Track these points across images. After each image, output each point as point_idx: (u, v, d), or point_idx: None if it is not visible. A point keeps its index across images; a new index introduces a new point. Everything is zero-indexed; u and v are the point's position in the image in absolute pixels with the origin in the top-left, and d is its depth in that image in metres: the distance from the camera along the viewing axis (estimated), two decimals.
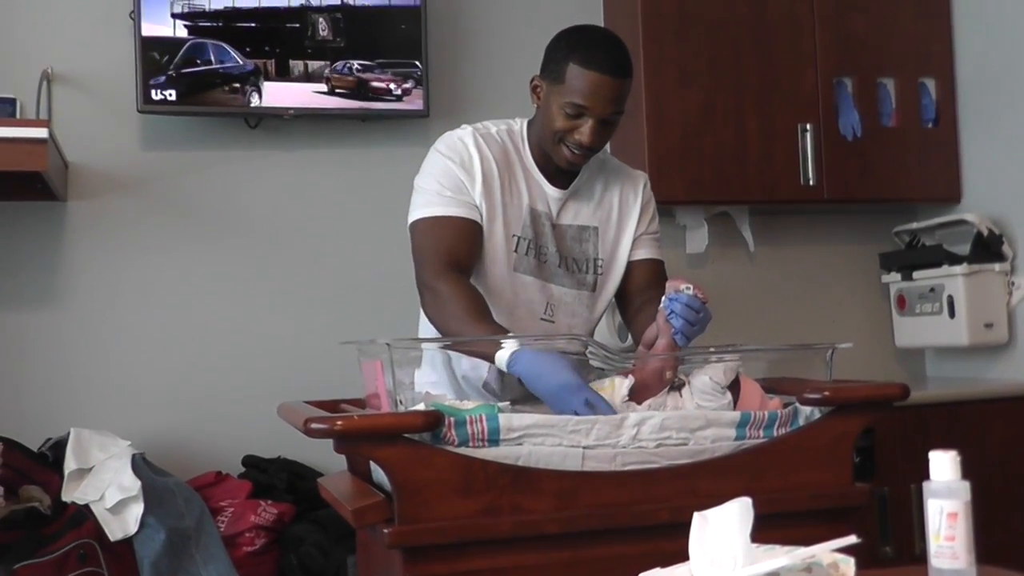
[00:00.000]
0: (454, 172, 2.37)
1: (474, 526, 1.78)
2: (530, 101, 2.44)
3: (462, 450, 1.80)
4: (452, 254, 2.32)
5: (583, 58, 2.29)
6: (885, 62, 3.99)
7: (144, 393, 3.51)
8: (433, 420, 1.76)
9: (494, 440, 1.81)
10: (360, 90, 3.62)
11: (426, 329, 2.41)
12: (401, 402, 1.90)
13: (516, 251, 2.40)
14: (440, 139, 2.45)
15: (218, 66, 3.49)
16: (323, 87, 3.58)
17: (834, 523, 1.80)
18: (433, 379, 2.43)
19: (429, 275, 2.30)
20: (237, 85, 3.51)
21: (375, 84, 3.63)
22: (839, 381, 2.05)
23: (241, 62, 3.50)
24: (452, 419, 1.80)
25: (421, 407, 1.87)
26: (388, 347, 1.86)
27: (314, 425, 1.73)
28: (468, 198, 2.36)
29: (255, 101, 3.52)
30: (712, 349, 2.14)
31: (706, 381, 2.04)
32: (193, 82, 3.47)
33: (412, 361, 2.08)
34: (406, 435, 1.75)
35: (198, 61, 3.48)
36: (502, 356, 2.03)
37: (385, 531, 1.75)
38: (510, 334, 2.10)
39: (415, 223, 2.40)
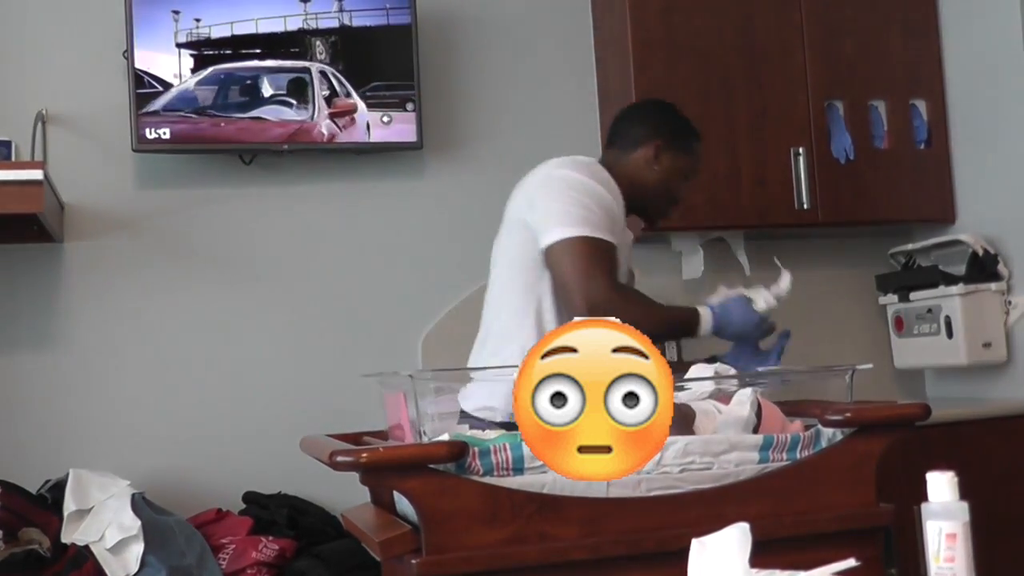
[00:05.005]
0: (611, 204, 2.61)
1: (502, 555, 1.76)
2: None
3: (487, 479, 1.79)
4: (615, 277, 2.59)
5: (698, 138, 2.89)
6: (876, 84, 4.02)
7: (143, 432, 3.48)
8: (458, 450, 1.75)
9: (519, 468, 1.80)
10: (355, 121, 3.62)
11: (477, 358, 2.48)
12: (424, 433, 1.89)
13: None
14: (577, 165, 2.64)
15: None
16: (320, 118, 3.57)
17: (860, 544, 1.80)
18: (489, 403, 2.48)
19: (604, 292, 2.51)
20: None
21: (370, 114, 3.62)
22: (860, 402, 2.05)
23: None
24: (476, 449, 1.79)
25: (445, 438, 1.86)
26: (411, 379, 1.85)
27: (340, 458, 1.71)
28: (618, 228, 2.63)
29: None
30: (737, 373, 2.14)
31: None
32: None
33: (432, 392, 2.06)
34: (431, 466, 1.74)
35: None
36: (706, 323, 2.69)
37: (413, 562, 1.73)
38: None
39: (584, 239, 2.52)
